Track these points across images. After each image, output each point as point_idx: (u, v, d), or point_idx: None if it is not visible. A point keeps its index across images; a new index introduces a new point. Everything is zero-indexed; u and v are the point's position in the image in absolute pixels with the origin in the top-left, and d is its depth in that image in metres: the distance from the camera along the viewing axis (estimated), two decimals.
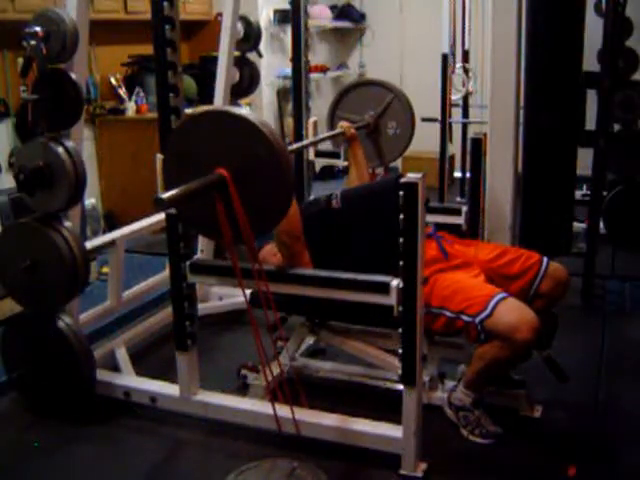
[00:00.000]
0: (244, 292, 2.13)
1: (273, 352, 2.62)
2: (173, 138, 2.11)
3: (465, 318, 2.32)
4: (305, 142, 3.40)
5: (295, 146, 3.10)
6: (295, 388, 2.20)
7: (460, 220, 2.94)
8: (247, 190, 1.96)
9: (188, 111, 2.68)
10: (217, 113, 2.10)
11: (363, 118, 3.25)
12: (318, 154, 3.89)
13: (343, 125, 3.10)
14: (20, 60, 3.69)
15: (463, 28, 5.68)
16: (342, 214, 2.58)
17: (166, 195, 1.82)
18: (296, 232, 2.39)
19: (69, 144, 2.42)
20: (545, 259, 2.55)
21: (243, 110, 2.04)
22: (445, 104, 5.16)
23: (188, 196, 1.88)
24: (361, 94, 3.30)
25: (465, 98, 5.76)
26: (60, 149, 2.39)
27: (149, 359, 3.17)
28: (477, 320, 2.28)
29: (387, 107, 3.23)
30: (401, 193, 2.05)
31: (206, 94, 4.25)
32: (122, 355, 2.98)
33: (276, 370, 2.41)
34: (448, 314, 2.36)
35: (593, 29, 3.46)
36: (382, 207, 2.40)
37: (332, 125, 3.33)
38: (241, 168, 1.95)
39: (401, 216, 2.07)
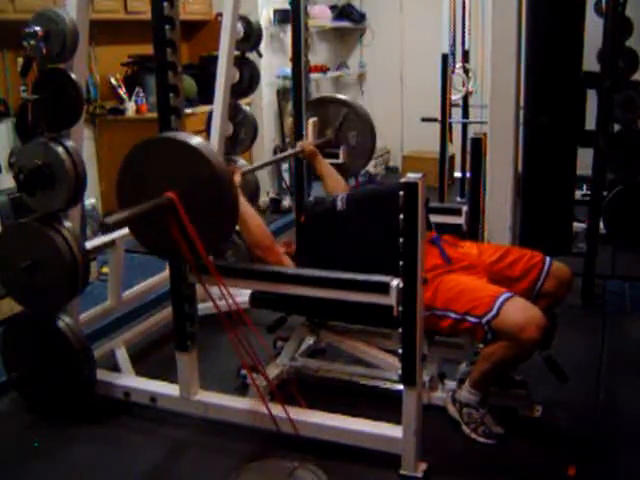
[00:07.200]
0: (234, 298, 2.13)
1: (273, 352, 2.62)
2: (125, 163, 2.23)
3: (471, 319, 2.31)
4: (259, 163, 3.75)
5: (250, 167, 3.37)
6: (295, 388, 2.20)
7: (460, 220, 2.94)
8: (196, 210, 2.13)
9: None
10: (163, 139, 2.25)
11: (325, 136, 3.46)
12: None
13: (303, 144, 3.27)
14: (20, 60, 3.70)
15: (463, 28, 5.69)
16: (347, 216, 2.58)
17: (112, 218, 1.98)
18: (265, 242, 2.54)
19: (69, 144, 2.41)
20: (548, 259, 2.55)
21: (184, 135, 2.20)
22: (445, 104, 5.15)
23: (134, 219, 2.06)
24: (320, 113, 3.47)
25: (465, 98, 5.76)
26: (60, 149, 2.39)
27: (149, 359, 3.17)
28: (484, 321, 2.28)
29: (343, 120, 3.46)
30: (401, 193, 2.05)
31: (206, 94, 4.24)
32: (122, 355, 2.98)
33: (276, 370, 2.41)
34: (453, 315, 2.35)
35: (593, 29, 3.46)
36: (388, 210, 2.39)
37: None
38: (188, 190, 2.13)
39: (401, 216, 2.07)
